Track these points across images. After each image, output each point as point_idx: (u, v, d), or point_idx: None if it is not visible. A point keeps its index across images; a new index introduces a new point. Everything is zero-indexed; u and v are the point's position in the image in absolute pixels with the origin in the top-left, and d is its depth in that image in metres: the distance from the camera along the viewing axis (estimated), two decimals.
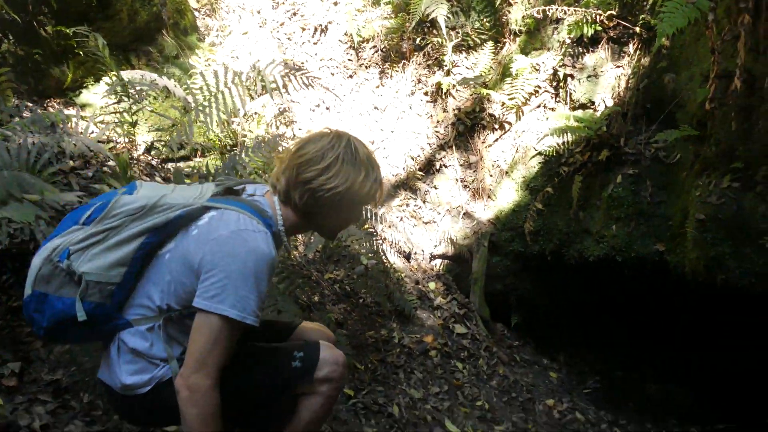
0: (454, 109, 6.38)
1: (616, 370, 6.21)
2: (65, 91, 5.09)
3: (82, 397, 2.68)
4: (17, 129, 3.53)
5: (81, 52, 5.00)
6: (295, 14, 7.37)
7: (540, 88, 5.90)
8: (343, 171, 1.99)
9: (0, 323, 2.75)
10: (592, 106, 5.57)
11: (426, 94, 6.58)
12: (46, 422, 2.46)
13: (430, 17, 6.43)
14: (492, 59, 6.55)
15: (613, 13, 5.48)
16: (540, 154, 5.69)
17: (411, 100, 6.56)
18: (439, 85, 6.47)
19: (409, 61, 6.82)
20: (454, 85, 6.45)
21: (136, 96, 4.20)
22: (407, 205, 6.01)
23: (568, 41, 5.80)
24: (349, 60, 7.06)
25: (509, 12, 6.54)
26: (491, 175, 6.16)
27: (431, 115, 6.42)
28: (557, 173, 5.42)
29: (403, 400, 4.07)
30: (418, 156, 6.24)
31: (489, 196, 6.11)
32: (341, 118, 6.22)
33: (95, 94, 5.09)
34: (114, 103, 4.33)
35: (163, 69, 5.65)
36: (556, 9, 5.65)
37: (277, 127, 5.50)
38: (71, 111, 4.73)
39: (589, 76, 5.68)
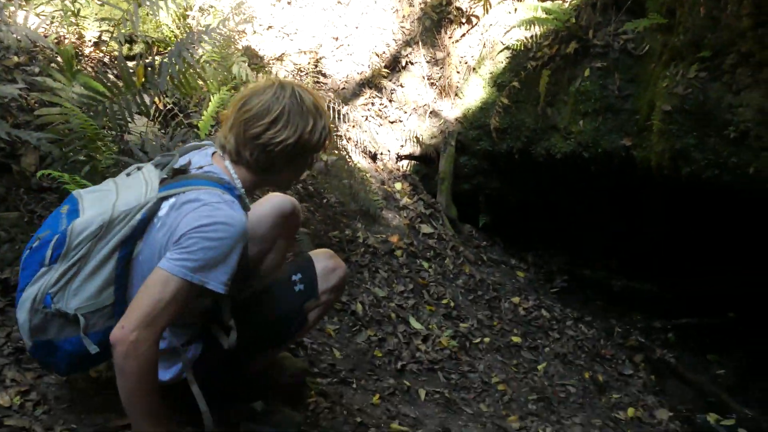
0: (420, 3, 6.14)
1: (584, 269, 6.26)
2: None
3: None
4: None
5: None
6: None
7: None
8: (291, 122, 1.95)
9: None
10: None
11: None
12: None
13: None
14: None
15: None
16: (508, 48, 5.52)
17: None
18: None
19: None
20: None
21: None
22: (372, 103, 5.85)
23: None
24: None
25: None
26: (458, 72, 5.99)
27: (397, 10, 6.17)
28: (524, 68, 5.27)
29: (367, 299, 4.06)
30: (384, 53, 6.03)
31: (456, 94, 5.96)
32: (303, 13, 5.95)
33: None
34: None
35: None
36: None
37: (236, 24, 5.25)
38: None
39: None
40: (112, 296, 1.91)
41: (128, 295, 1.92)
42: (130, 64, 4.25)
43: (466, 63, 5.95)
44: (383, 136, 5.81)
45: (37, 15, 4.19)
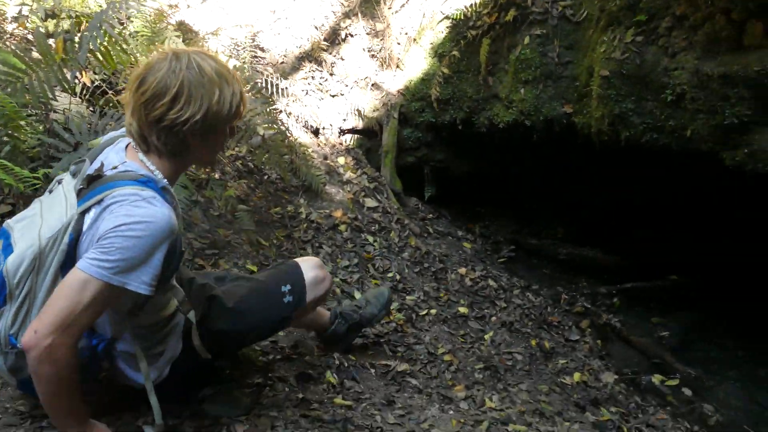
0: None
1: (531, 238, 6.30)
2: None
3: None
4: None
5: None
6: None
7: None
8: (194, 96, 1.76)
9: None
10: None
11: None
12: None
13: None
14: None
15: None
16: (447, 17, 5.45)
17: None
18: None
19: None
20: None
21: None
22: (312, 77, 5.73)
23: None
24: None
25: None
26: (399, 43, 5.92)
27: None
28: (464, 37, 5.22)
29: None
30: (323, 25, 5.91)
31: (398, 65, 5.89)
32: None
33: None
34: None
35: None
36: None
37: None
38: None
39: None
40: None
41: None
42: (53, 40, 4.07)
43: (406, 34, 5.87)
44: (325, 110, 5.71)
45: None
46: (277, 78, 5.27)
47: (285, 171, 4.54)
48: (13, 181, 2.68)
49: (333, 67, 5.93)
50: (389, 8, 6.02)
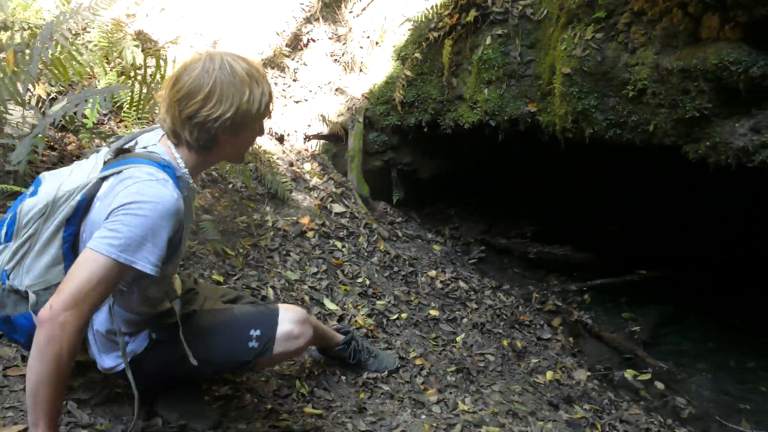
0: None
1: (500, 238, 6.29)
2: None
3: None
4: None
5: None
6: None
7: None
8: (225, 95, 1.88)
9: None
10: None
11: None
12: None
13: None
14: None
15: None
16: (409, 20, 5.44)
17: None
18: None
19: None
20: None
21: None
22: (275, 84, 5.67)
23: None
24: None
25: None
26: (362, 47, 5.88)
27: None
28: (426, 39, 5.20)
29: (279, 283, 3.93)
30: (284, 31, 5.85)
31: (361, 69, 5.85)
32: None
33: None
34: None
35: None
36: None
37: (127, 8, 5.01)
38: None
39: None
40: (62, 274, 1.92)
41: None
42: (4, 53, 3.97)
43: (368, 37, 5.84)
44: (289, 116, 5.65)
45: None
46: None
47: (249, 179, 4.48)
48: None
49: (296, 72, 5.88)
50: (350, 12, 5.99)
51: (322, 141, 5.84)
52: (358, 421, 2.83)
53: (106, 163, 1.97)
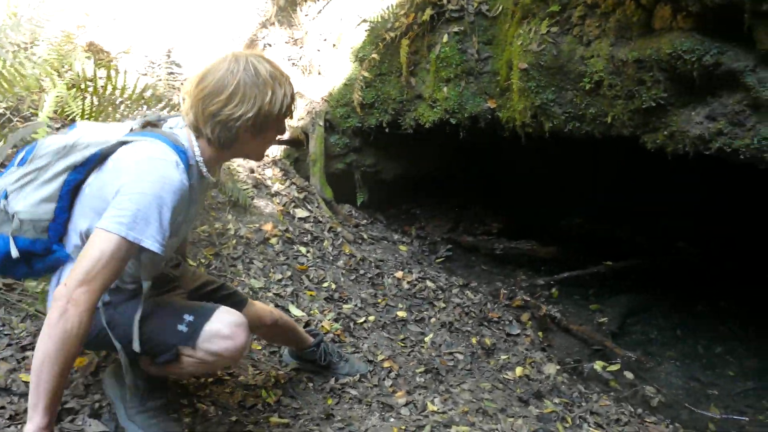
0: None
1: (467, 236, 6.29)
2: None
3: None
4: None
5: None
6: None
7: None
8: (248, 95, 1.94)
9: None
10: None
11: None
12: None
13: None
14: None
15: None
16: (365, 21, 5.40)
17: None
18: None
19: None
20: None
21: None
22: None
23: None
24: None
25: None
26: (319, 50, 5.83)
27: None
28: (383, 39, 5.18)
29: (243, 292, 3.87)
30: (240, 37, 5.79)
31: (319, 73, 5.80)
32: (151, 2, 5.64)
33: None
34: None
35: None
36: None
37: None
38: None
39: None
40: (51, 213, 2.01)
41: (71, 219, 2.05)
42: None
43: (325, 40, 5.79)
44: None
45: None
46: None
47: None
48: None
49: None
50: (306, 15, 5.93)
51: (283, 146, 5.79)
52: (326, 428, 2.78)
53: (132, 131, 2.07)
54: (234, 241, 4.29)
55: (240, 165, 5.07)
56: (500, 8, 4.68)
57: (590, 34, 3.88)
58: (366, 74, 5.18)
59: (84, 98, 3.89)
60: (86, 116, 3.85)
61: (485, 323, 4.56)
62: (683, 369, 4.65)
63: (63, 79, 3.98)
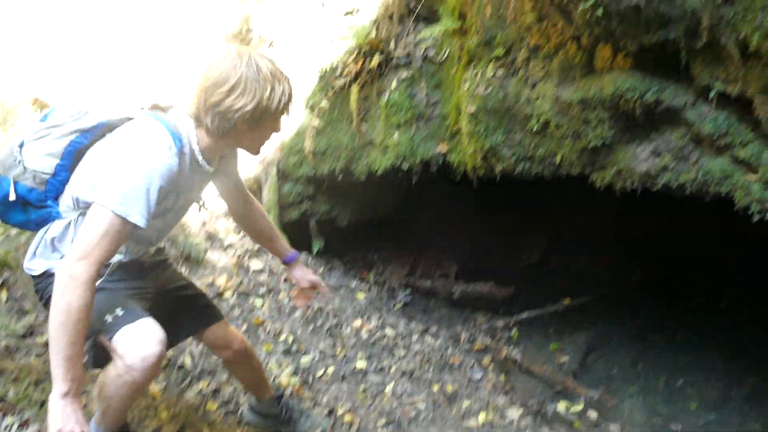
0: (218, 34, 5.91)
1: (425, 280, 6.25)
2: None
3: None
4: None
5: None
6: None
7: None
8: (249, 89, 2.02)
9: None
10: (358, 13, 5.33)
11: (181, 16, 6.03)
12: None
13: None
14: None
15: None
16: (315, 69, 5.40)
17: (163, 21, 5.97)
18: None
19: None
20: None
21: None
22: None
23: None
24: None
25: None
26: None
27: (191, 39, 5.91)
28: (333, 87, 5.18)
29: (196, 349, 3.77)
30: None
31: None
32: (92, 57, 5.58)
33: None
34: None
35: None
36: None
37: None
38: None
39: None
40: (51, 168, 2.16)
41: (70, 180, 2.19)
42: None
43: None
44: None
45: None
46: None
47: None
48: None
49: None
50: None
51: None
52: None
53: (141, 110, 2.21)
54: None
55: (192, 218, 4.99)
56: (447, 53, 4.71)
57: (535, 76, 3.93)
58: (317, 122, 5.17)
59: None
60: None
61: (446, 369, 4.50)
62: (646, 404, 4.65)
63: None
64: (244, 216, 2.79)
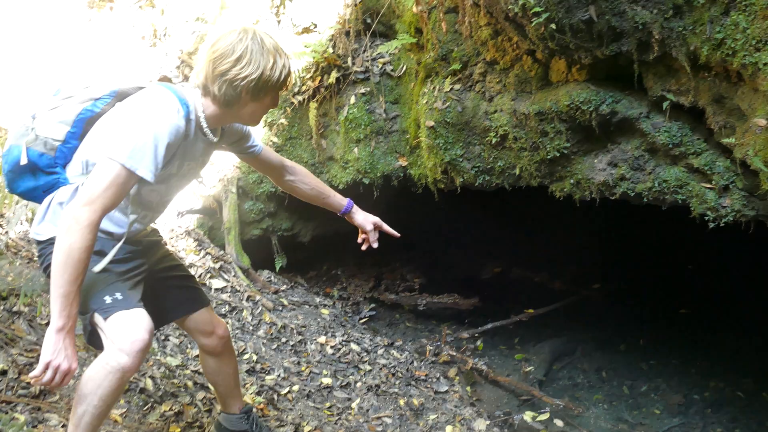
0: (177, 51, 5.87)
1: (389, 294, 6.26)
2: None
3: None
4: None
5: None
6: None
7: (261, 16, 5.56)
8: (254, 60, 2.14)
9: None
10: (316, 29, 5.34)
11: (143, 38, 5.98)
12: None
13: None
14: None
15: None
16: None
17: (126, 45, 5.92)
18: (154, 27, 5.90)
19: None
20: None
21: None
22: None
23: None
24: None
25: None
26: None
27: (151, 61, 5.86)
28: (291, 104, 5.17)
29: (158, 371, 3.69)
30: None
31: None
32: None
33: None
34: None
35: None
36: None
37: None
38: None
39: None
40: (62, 135, 2.24)
41: (79, 147, 2.27)
42: None
43: None
44: None
45: None
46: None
47: None
48: None
49: None
50: None
51: (195, 215, 5.66)
52: None
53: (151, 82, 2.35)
54: None
55: None
56: (404, 68, 4.75)
57: (492, 89, 3.98)
58: (276, 139, 5.15)
59: None
60: None
61: (413, 383, 4.49)
62: (611, 411, 4.69)
63: None
64: (289, 181, 2.84)
